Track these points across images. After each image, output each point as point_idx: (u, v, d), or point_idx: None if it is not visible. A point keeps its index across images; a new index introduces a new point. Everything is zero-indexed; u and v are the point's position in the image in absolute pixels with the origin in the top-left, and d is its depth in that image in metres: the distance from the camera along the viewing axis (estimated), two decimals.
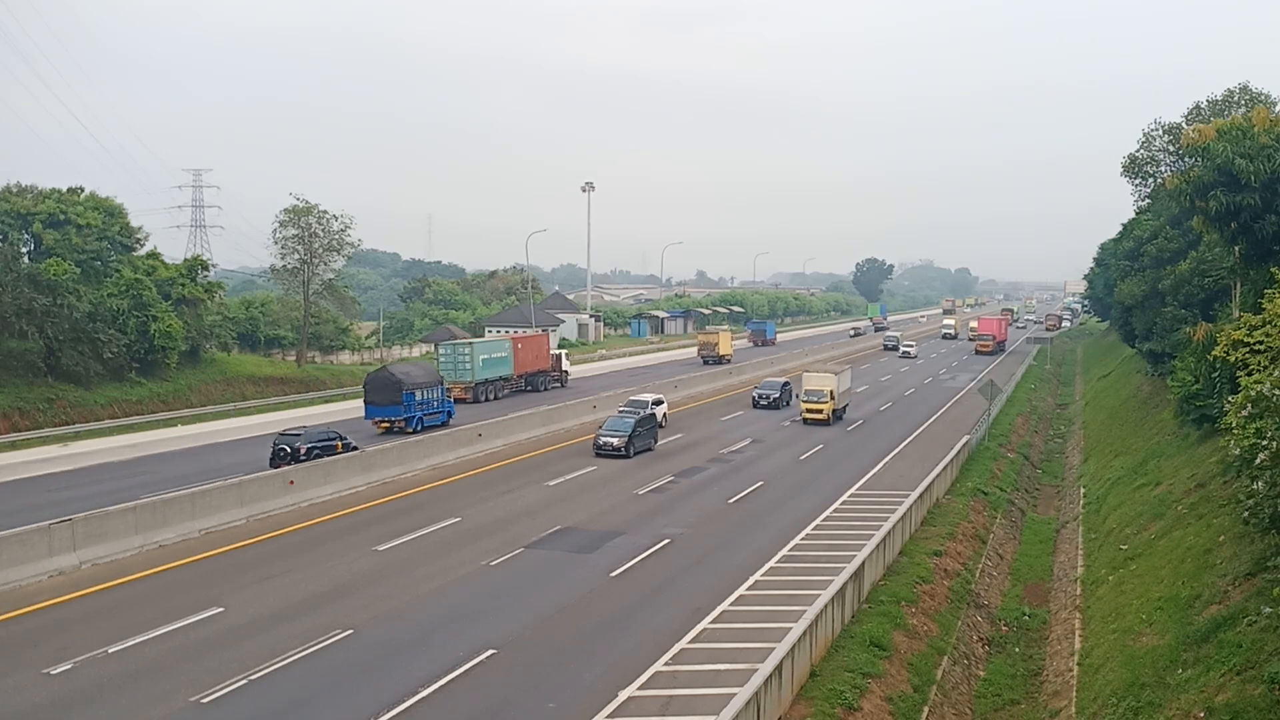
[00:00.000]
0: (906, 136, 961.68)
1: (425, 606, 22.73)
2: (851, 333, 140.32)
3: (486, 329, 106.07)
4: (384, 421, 48.04)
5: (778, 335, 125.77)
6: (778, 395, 59.72)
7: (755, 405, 59.37)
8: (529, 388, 66.47)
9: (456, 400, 56.22)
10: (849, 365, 59.40)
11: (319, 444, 38.15)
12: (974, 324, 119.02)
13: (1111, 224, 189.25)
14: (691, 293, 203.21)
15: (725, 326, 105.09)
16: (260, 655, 19.34)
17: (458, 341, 65.12)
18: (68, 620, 21.26)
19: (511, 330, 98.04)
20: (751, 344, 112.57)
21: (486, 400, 61.15)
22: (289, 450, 37.21)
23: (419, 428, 47.75)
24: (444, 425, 48.80)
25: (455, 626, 21.43)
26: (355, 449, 38.52)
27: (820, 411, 52.52)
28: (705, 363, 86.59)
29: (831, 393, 52.67)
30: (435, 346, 68.46)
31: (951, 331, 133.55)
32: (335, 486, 33.77)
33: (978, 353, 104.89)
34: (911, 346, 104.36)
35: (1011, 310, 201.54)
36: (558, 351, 72.37)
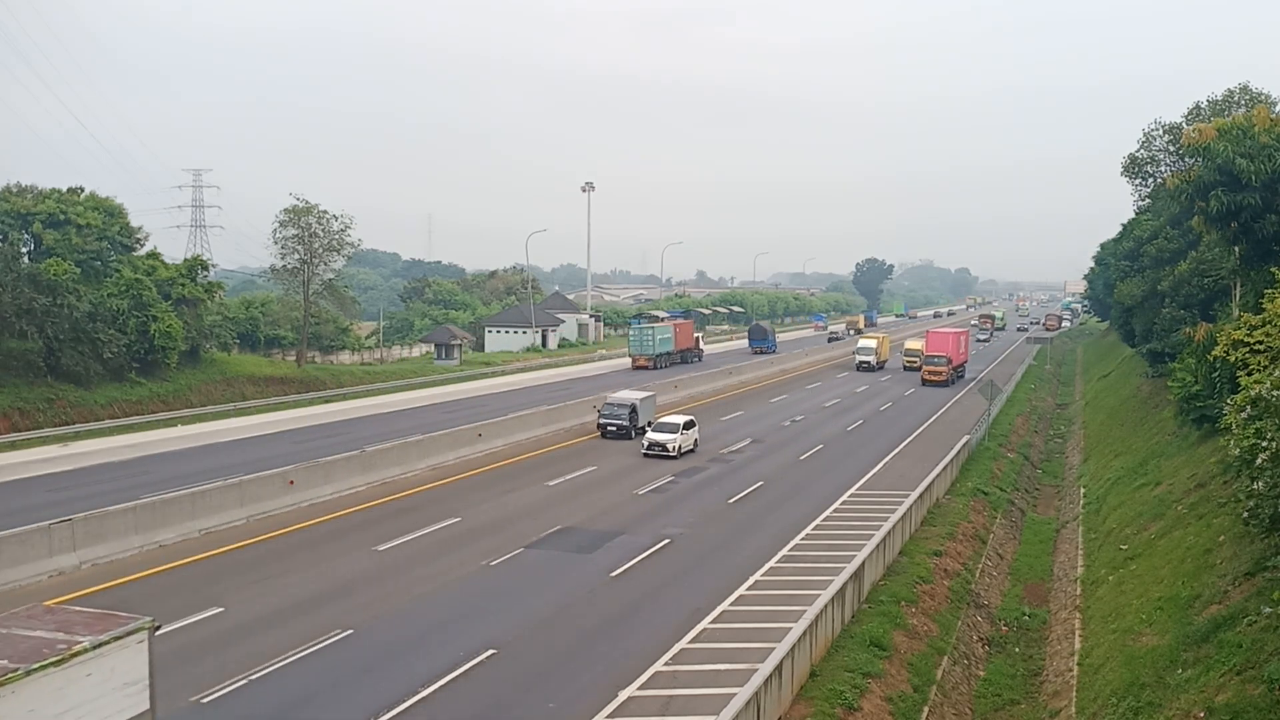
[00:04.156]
0: (907, 137, 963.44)
1: (425, 606, 22.73)
2: (933, 315, 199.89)
3: (487, 329, 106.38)
4: (758, 349, 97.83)
5: (879, 319, 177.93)
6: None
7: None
8: (682, 361, 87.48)
9: (640, 368, 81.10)
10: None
11: None
12: (914, 344, 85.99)
13: (1111, 224, 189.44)
14: (691, 293, 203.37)
15: (861, 313, 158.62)
16: (260, 655, 19.34)
17: (644, 325, 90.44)
18: None
19: (512, 330, 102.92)
20: (864, 324, 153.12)
21: (660, 368, 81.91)
22: None
23: (769, 351, 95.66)
24: (774, 350, 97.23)
25: (455, 626, 21.44)
26: None
27: None
28: (851, 334, 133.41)
29: None
30: (630, 327, 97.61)
31: (871, 360, 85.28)
32: (335, 486, 33.77)
33: (925, 382, 73.52)
34: (671, 435, 41.91)
35: (993, 317, 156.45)
36: (697, 334, 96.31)
